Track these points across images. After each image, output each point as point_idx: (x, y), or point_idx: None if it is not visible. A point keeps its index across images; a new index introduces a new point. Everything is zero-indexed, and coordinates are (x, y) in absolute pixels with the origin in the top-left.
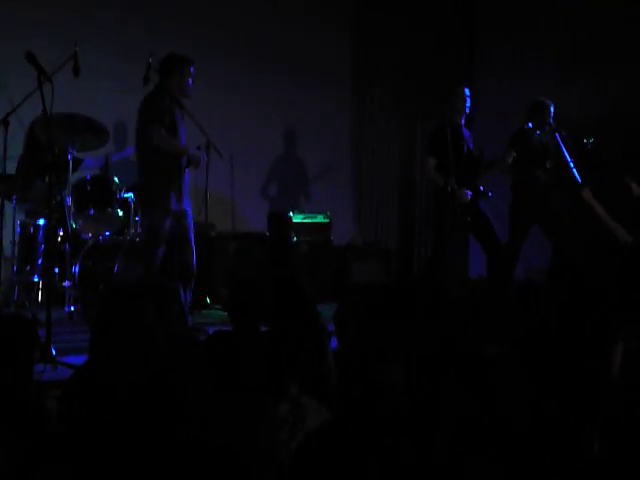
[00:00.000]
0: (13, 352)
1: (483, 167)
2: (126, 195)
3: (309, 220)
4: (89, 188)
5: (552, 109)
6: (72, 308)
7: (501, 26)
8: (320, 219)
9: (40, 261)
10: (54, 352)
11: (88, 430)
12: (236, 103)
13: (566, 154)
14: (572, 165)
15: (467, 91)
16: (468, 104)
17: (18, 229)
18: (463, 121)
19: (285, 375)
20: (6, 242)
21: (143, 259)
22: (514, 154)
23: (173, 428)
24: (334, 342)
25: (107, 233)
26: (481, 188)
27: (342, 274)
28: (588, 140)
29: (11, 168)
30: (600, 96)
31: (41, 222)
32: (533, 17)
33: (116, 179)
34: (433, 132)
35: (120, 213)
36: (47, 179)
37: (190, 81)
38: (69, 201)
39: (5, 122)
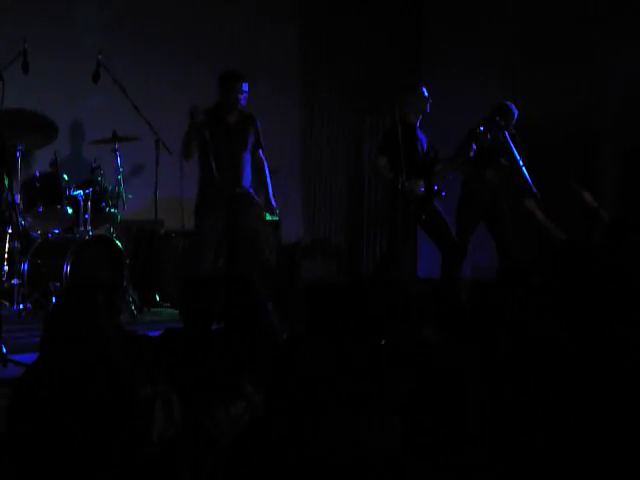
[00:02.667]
0: None
1: (440, 165)
2: (75, 192)
3: None
4: (38, 185)
5: (516, 115)
6: (21, 306)
7: (449, 25)
8: (269, 217)
9: None
10: (4, 350)
11: (38, 428)
12: (185, 101)
13: (516, 153)
14: (522, 163)
15: (425, 91)
16: (429, 105)
17: None
18: (418, 122)
19: (239, 373)
20: None
21: None
22: (474, 148)
23: (124, 425)
24: None
25: (56, 230)
26: (435, 188)
27: (291, 272)
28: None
29: None
30: (546, 96)
31: None
32: (480, 17)
33: (65, 176)
34: (386, 132)
35: (70, 210)
36: None
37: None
38: (18, 198)
39: None
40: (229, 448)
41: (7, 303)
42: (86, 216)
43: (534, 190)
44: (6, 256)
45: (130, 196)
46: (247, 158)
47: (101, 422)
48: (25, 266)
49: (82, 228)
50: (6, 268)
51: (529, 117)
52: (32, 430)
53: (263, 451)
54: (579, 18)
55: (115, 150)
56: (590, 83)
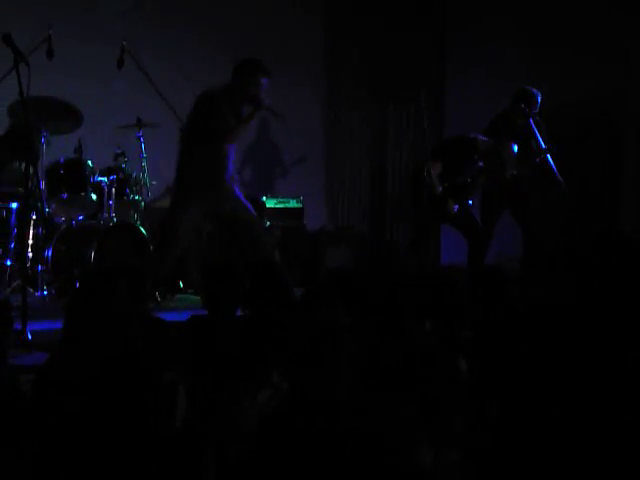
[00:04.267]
0: None
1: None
2: (99, 179)
3: (282, 205)
4: (63, 172)
5: (539, 100)
6: (45, 292)
7: (474, 16)
8: (293, 204)
9: (13, 245)
10: (30, 336)
11: (61, 414)
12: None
13: (540, 140)
14: (547, 151)
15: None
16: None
17: None
18: None
19: (266, 361)
20: None
21: None
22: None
23: (147, 412)
24: None
25: (80, 217)
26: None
27: (315, 259)
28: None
29: None
30: (572, 92)
31: (14, 206)
32: (506, 7)
33: (90, 163)
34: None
35: (94, 197)
36: (22, 163)
37: None
38: (42, 185)
39: None
40: (254, 434)
41: (31, 289)
42: (110, 202)
43: (559, 178)
44: (30, 242)
45: (154, 182)
46: None
47: (123, 407)
48: (49, 252)
49: (106, 215)
50: (30, 255)
51: (555, 107)
52: (56, 416)
53: (287, 437)
54: (601, 9)
55: (139, 136)
56: (614, 73)
